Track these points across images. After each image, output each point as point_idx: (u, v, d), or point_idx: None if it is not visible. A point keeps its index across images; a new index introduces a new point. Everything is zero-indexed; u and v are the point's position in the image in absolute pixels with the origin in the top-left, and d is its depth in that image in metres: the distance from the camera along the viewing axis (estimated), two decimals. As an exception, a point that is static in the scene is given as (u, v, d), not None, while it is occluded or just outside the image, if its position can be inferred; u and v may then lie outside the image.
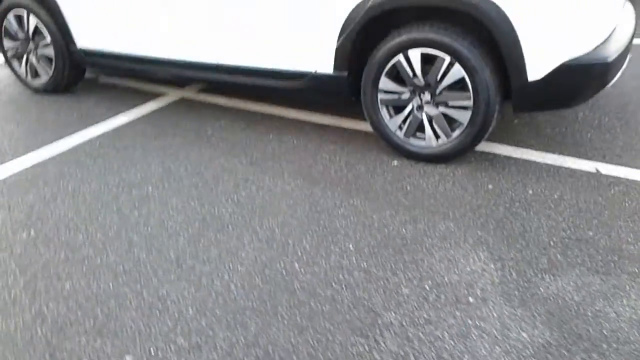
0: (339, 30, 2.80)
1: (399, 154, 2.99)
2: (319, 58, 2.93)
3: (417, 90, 2.80)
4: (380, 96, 2.89)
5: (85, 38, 3.74)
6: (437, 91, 2.74)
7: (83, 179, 2.92)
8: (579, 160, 2.90)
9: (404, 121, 2.89)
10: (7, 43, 4.11)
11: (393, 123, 2.92)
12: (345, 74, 2.91)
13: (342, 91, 3.00)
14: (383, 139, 3.00)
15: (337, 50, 2.85)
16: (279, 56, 3.05)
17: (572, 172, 2.80)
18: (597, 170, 2.81)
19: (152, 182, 2.86)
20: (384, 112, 2.92)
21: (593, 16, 2.45)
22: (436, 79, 2.70)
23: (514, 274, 2.10)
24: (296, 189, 2.74)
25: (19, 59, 4.14)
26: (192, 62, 3.35)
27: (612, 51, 2.52)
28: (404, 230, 2.39)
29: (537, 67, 2.49)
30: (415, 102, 2.83)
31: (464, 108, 2.71)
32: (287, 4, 2.87)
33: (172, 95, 4.07)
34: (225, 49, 3.19)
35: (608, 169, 2.80)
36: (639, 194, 2.58)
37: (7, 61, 4.21)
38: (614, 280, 2.05)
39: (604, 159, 2.90)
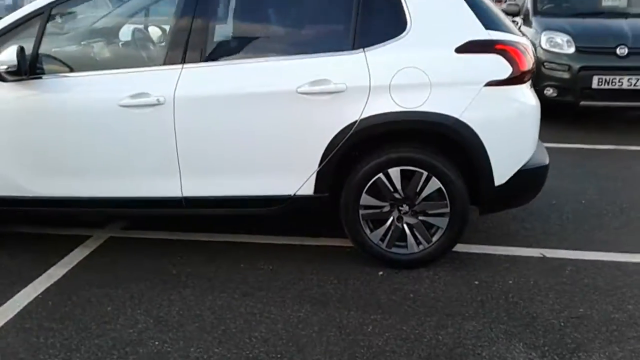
0: (320, 156, 2.96)
1: (380, 263, 3.15)
2: (299, 182, 3.03)
3: (396, 203, 3.06)
4: (362, 212, 3.07)
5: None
6: (416, 202, 3.03)
7: (66, 346, 2.50)
8: (524, 249, 3.39)
9: (386, 233, 3.10)
10: None
11: (375, 236, 3.11)
12: (326, 194, 3.05)
13: (321, 210, 3.13)
14: (365, 252, 3.16)
15: (318, 173, 3.00)
16: (257, 183, 3.07)
17: (526, 260, 3.27)
18: (543, 255, 3.32)
19: (151, 335, 2.58)
20: (365, 226, 3.10)
21: (531, 134, 3.11)
22: (415, 191, 3.00)
23: (556, 357, 2.37)
24: (311, 315, 2.72)
25: None
26: (150, 197, 3.16)
27: (546, 157, 3.17)
28: (439, 337, 2.53)
29: (501, 174, 2.98)
30: (395, 214, 3.07)
31: (441, 215, 3.03)
32: (268, 134, 2.98)
33: (98, 236, 3.68)
34: (196, 180, 3.09)
35: (550, 253, 3.33)
36: (587, 271, 3.11)
37: None
38: (627, 346, 2.45)
39: (541, 244, 3.43)
